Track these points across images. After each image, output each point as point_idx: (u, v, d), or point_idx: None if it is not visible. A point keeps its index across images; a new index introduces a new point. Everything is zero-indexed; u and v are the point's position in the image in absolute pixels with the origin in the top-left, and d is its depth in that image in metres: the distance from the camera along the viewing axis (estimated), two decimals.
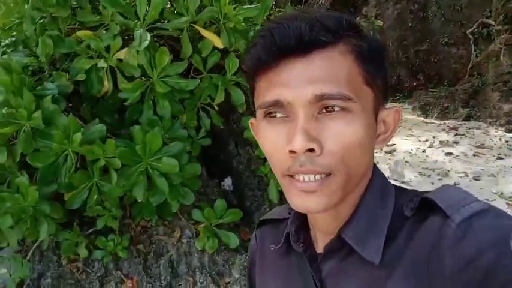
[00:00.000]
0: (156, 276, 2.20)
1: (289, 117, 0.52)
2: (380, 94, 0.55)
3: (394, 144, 5.60)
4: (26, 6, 2.09)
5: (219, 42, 2.00)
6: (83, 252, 2.06)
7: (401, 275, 0.50)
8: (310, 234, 0.64)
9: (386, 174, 4.34)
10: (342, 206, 0.56)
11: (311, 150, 0.49)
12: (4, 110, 1.75)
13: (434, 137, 5.85)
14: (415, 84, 8.45)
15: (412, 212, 0.53)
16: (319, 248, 0.62)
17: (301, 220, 0.65)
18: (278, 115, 0.53)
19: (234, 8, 2.02)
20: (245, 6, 2.10)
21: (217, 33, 2.06)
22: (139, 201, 1.94)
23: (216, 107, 2.20)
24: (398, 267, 0.51)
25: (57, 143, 1.80)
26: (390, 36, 7.89)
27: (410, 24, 7.92)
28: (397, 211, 0.55)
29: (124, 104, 2.08)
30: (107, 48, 2.07)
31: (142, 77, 2.02)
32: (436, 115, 6.98)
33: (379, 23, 3.48)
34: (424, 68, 8.23)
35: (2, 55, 2.21)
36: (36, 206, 1.73)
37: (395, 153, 5.22)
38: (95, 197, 1.87)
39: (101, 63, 2.05)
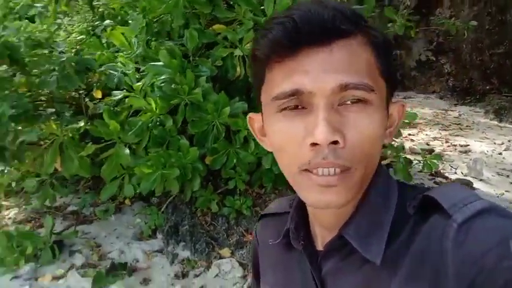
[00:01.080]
0: None
1: (307, 109, 0.50)
2: (391, 87, 0.54)
3: (468, 145, 5.64)
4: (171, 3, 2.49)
5: None
6: (214, 207, 2.47)
7: (403, 276, 0.49)
8: (310, 231, 0.63)
9: (464, 171, 4.45)
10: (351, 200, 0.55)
11: (335, 142, 0.48)
12: (173, 86, 2.19)
13: (509, 141, 5.80)
14: (487, 87, 8.29)
15: (414, 211, 0.52)
16: (319, 245, 0.61)
17: (301, 216, 0.63)
18: (294, 107, 0.51)
19: None
20: None
21: None
22: (266, 168, 2.31)
23: None
24: (400, 267, 0.50)
25: (210, 114, 2.22)
26: (465, 38, 7.83)
27: (487, 27, 7.80)
28: (400, 209, 0.54)
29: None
30: (240, 40, 2.47)
31: None
32: (511, 119, 6.87)
33: (474, 23, 3.61)
34: (499, 72, 8.06)
35: (148, 44, 2.68)
36: (193, 163, 2.16)
37: (470, 153, 5.28)
38: (234, 161, 2.27)
39: (237, 52, 2.45)
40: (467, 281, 0.42)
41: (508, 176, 4.44)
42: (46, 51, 2.30)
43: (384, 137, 0.54)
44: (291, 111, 0.50)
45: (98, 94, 2.76)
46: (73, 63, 2.22)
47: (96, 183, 3.65)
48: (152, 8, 2.61)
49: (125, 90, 2.56)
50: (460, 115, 7.64)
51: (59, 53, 2.31)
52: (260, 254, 0.73)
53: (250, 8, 2.45)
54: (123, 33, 2.60)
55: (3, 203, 3.67)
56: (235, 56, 2.45)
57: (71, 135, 2.56)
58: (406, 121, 2.85)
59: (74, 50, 2.50)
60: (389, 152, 2.89)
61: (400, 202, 0.54)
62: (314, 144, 0.48)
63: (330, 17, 0.48)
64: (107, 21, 3.12)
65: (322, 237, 0.60)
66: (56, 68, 2.21)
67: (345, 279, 0.55)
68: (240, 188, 2.39)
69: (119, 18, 3.22)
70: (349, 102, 0.49)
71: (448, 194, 0.50)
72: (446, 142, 5.91)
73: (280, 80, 0.50)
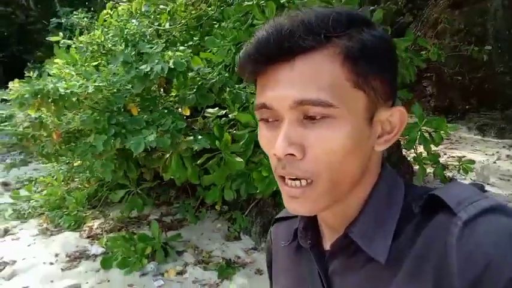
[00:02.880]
0: None
1: (278, 121, 0.53)
2: (378, 95, 0.53)
3: (464, 156, 6.46)
4: None
5: None
6: None
7: (406, 273, 0.50)
8: (319, 231, 0.64)
9: (472, 177, 5.19)
10: (348, 204, 0.57)
11: (292, 154, 0.51)
12: None
13: (498, 152, 6.68)
14: (467, 107, 9.33)
15: (419, 210, 0.52)
16: (327, 245, 0.61)
17: (310, 217, 0.64)
18: (270, 119, 0.54)
19: None
20: None
21: None
22: None
23: None
24: (404, 265, 0.51)
25: None
26: (446, 63, 8.84)
27: (466, 54, 8.88)
28: (405, 209, 0.55)
29: None
30: None
31: None
32: (493, 134, 7.82)
33: (488, 47, 4.37)
34: (477, 94, 9.10)
35: None
36: None
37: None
38: None
39: None
40: (471, 279, 0.43)
41: (508, 180, 5.22)
42: (193, 74, 2.75)
43: (363, 146, 0.53)
44: (266, 122, 0.55)
45: (186, 111, 3.22)
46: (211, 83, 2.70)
47: (180, 192, 4.05)
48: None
49: (228, 108, 3.04)
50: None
51: (200, 75, 2.78)
52: (274, 257, 0.75)
53: None
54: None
55: (86, 214, 3.99)
56: None
57: (185, 146, 3.00)
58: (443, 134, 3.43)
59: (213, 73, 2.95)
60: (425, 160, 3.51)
61: (407, 202, 0.55)
62: (276, 155, 0.52)
63: (289, 34, 0.49)
64: None
65: (329, 237, 0.61)
66: (195, 88, 2.68)
67: (350, 278, 0.56)
68: None
69: None
70: (311, 117, 0.51)
71: (453, 192, 0.50)
72: (445, 154, 6.69)
73: (257, 94, 0.55)
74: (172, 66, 2.38)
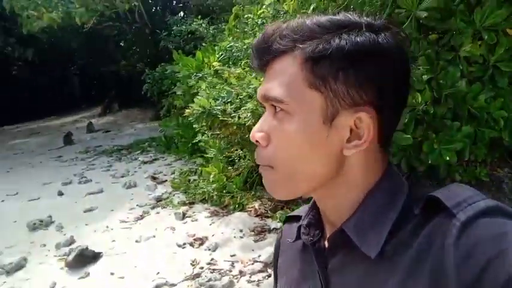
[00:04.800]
0: None
1: None
2: (339, 98, 0.54)
3: None
4: None
5: None
6: (457, 177, 3.30)
7: (402, 273, 0.51)
8: (323, 229, 0.65)
9: None
10: (339, 201, 0.59)
11: (258, 142, 0.59)
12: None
13: None
14: None
15: (419, 210, 0.53)
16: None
17: (315, 214, 0.66)
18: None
19: None
20: None
21: None
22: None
23: None
24: (400, 264, 0.51)
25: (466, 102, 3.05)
26: None
27: None
28: (406, 209, 0.55)
29: None
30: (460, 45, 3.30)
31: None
32: None
33: None
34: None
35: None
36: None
37: None
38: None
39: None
40: (468, 282, 0.43)
41: None
42: None
43: (324, 146, 0.55)
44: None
45: None
46: None
47: None
48: None
49: None
50: None
51: None
52: (281, 254, 0.77)
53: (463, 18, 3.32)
54: None
55: (246, 196, 4.57)
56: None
57: None
58: None
59: None
60: None
61: (409, 203, 0.55)
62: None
63: (271, 40, 0.57)
64: None
65: (329, 233, 0.63)
66: None
67: (347, 276, 0.58)
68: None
69: None
70: (278, 110, 0.57)
71: (452, 193, 0.51)
72: None
73: None
74: None
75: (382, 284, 0.53)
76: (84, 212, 5.00)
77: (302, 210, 0.73)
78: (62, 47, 15.27)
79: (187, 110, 3.32)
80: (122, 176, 6.38)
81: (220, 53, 5.32)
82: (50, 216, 4.80)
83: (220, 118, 3.20)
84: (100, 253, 3.82)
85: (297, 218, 0.72)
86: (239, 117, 3.02)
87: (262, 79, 0.62)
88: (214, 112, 3.15)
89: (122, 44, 15.21)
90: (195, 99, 3.28)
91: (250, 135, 0.59)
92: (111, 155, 8.22)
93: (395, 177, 0.60)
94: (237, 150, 4.59)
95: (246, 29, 4.62)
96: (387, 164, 0.60)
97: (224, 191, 4.65)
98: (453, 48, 3.60)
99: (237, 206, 4.46)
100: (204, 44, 6.52)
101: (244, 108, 2.97)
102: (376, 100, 0.55)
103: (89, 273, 3.53)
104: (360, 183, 0.58)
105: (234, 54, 4.17)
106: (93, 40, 16.46)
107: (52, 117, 16.73)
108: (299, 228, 0.68)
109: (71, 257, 3.66)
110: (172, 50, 6.74)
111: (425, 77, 3.37)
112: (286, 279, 0.71)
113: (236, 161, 4.70)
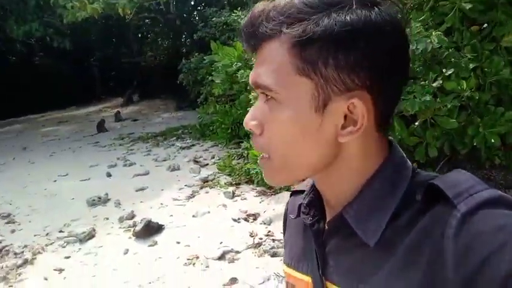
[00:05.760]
0: None
1: None
2: (331, 83, 0.52)
3: None
4: None
5: None
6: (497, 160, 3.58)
7: (397, 261, 0.50)
8: (324, 209, 0.64)
9: None
10: (337, 187, 0.58)
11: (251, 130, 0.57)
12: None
13: None
14: None
15: (420, 197, 0.52)
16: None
17: (315, 194, 0.65)
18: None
19: None
20: None
21: None
22: None
23: None
24: (395, 253, 0.51)
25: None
26: None
27: None
28: (408, 195, 0.54)
29: None
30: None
31: None
32: None
33: None
34: None
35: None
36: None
37: None
38: None
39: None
40: (467, 274, 0.43)
41: None
42: None
43: (314, 133, 0.54)
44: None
45: None
46: None
47: None
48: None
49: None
50: None
51: None
52: (287, 227, 0.78)
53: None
54: None
55: None
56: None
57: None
58: None
59: None
60: None
61: (410, 189, 0.54)
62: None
63: (257, 23, 0.54)
64: None
65: (329, 216, 0.62)
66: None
67: (344, 259, 0.58)
68: None
69: None
70: (267, 99, 0.55)
71: (454, 182, 0.50)
72: None
73: None
74: (438, 46, 3.11)
75: (378, 270, 0.52)
76: (136, 191, 5.36)
77: (304, 185, 0.72)
78: (83, 38, 15.63)
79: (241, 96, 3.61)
80: (164, 160, 6.73)
81: None
82: (107, 194, 5.17)
83: None
84: (162, 225, 4.16)
85: (301, 193, 0.71)
86: None
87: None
88: None
89: (148, 35, 15.47)
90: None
91: (244, 122, 0.57)
92: (148, 141, 8.56)
93: (398, 160, 0.58)
94: None
95: None
96: (389, 147, 0.59)
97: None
98: (494, 39, 3.86)
99: (283, 186, 4.77)
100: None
101: None
102: (371, 82, 0.52)
103: (156, 242, 3.88)
104: (360, 168, 0.57)
105: None
106: (112, 32, 16.81)
107: (73, 108, 17.15)
108: (300, 206, 0.67)
109: (138, 228, 4.01)
110: (210, 40, 7.04)
111: (470, 65, 3.65)
112: (290, 252, 0.72)
113: None
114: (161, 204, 4.83)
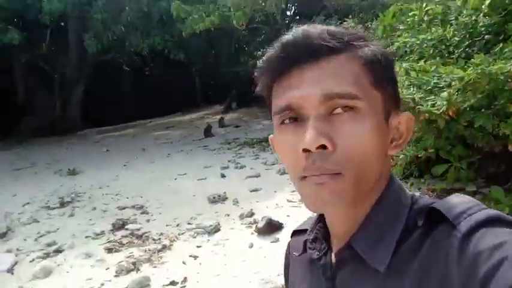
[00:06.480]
0: None
1: (303, 122, 0.54)
2: (391, 99, 0.57)
3: None
4: None
5: None
6: None
7: (411, 283, 0.51)
8: (330, 243, 0.64)
9: None
10: (355, 213, 0.58)
11: (323, 147, 0.52)
12: None
13: None
14: None
15: (422, 222, 0.53)
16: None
17: (321, 227, 0.66)
18: (292, 120, 0.56)
19: None
20: None
21: None
22: None
23: None
24: (406, 277, 0.52)
25: None
26: None
27: None
28: (410, 221, 0.55)
29: None
30: None
31: None
32: None
33: None
34: None
35: None
36: None
37: None
38: None
39: None
40: None
41: None
42: None
43: (383, 147, 0.56)
44: (288, 124, 0.56)
45: None
46: None
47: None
48: None
49: None
50: None
51: None
52: (291, 267, 0.77)
53: None
54: None
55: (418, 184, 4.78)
56: None
57: None
58: None
59: None
60: None
61: (412, 214, 0.56)
62: (306, 151, 0.52)
63: (316, 37, 0.54)
64: None
65: (335, 248, 0.62)
66: None
67: None
68: None
69: None
70: (339, 111, 0.53)
71: (452, 205, 0.51)
72: None
73: (278, 97, 0.57)
74: None
75: None
76: (251, 191, 5.68)
77: (307, 223, 0.72)
78: (187, 49, 16.87)
79: None
80: (273, 164, 7.02)
81: None
82: (225, 193, 5.56)
83: (411, 105, 3.50)
84: (282, 224, 4.37)
85: (303, 232, 0.72)
86: (433, 105, 3.28)
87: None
88: (406, 100, 3.45)
89: (246, 45, 16.16)
90: None
91: (309, 142, 0.52)
92: (253, 146, 9.01)
93: (399, 187, 0.60)
94: None
95: (411, 26, 4.84)
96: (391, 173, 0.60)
97: None
98: None
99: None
100: None
101: (440, 96, 3.22)
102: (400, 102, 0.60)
103: (278, 239, 4.08)
104: (378, 190, 0.58)
105: (406, 49, 4.42)
106: (213, 42, 17.85)
107: (177, 114, 18.53)
108: (305, 242, 0.67)
109: (260, 225, 4.26)
110: None
111: None
112: None
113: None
114: (276, 204, 5.05)
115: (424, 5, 4.92)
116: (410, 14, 4.97)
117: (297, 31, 0.56)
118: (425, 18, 4.82)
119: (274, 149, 0.64)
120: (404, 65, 4.42)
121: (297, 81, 0.54)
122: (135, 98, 19.97)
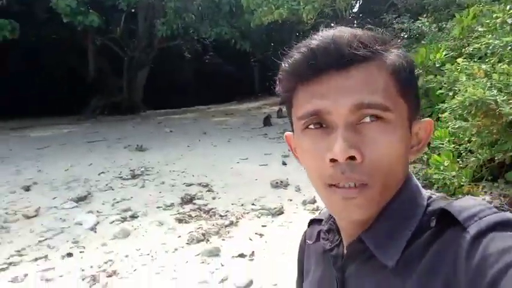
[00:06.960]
0: None
1: (329, 128, 0.54)
2: (413, 107, 0.58)
3: None
4: None
5: None
6: None
7: (417, 282, 0.51)
8: (341, 234, 0.65)
9: None
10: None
11: (352, 158, 0.52)
12: None
13: None
14: None
15: (434, 223, 0.54)
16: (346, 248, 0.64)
17: (334, 221, 0.66)
18: (318, 126, 0.55)
19: None
20: None
21: None
22: None
23: None
24: (413, 275, 0.52)
25: None
26: None
27: None
28: (423, 222, 0.55)
29: None
30: None
31: None
32: None
33: None
34: None
35: None
36: None
37: None
38: None
39: None
40: None
41: None
42: None
43: (407, 154, 0.58)
44: (314, 130, 0.56)
45: None
46: None
47: None
48: None
49: None
50: None
51: None
52: (306, 254, 0.78)
53: None
54: None
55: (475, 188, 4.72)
56: None
57: None
58: None
59: None
60: None
61: (426, 215, 0.56)
62: (333, 160, 0.52)
63: (346, 44, 0.53)
64: None
65: (346, 241, 0.63)
66: None
67: (363, 282, 0.58)
68: None
69: None
70: (367, 121, 0.53)
71: (464, 207, 0.51)
72: None
73: (304, 102, 0.56)
74: None
75: None
76: None
77: (323, 214, 0.74)
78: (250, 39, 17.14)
79: (458, 98, 3.66)
80: None
81: (443, 50, 5.54)
82: (287, 179, 5.74)
83: (492, 107, 3.47)
84: None
85: (319, 221, 0.74)
86: None
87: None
88: (488, 102, 3.43)
89: (304, 38, 16.20)
90: (467, 89, 3.59)
91: (338, 153, 0.52)
92: None
93: (415, 187, 0.60)
94: (464, 143, 4.76)
95: (492, 28, 4.72)
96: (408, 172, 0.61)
97: (453, 180, 4.88)
98: None
99: (463, 195, 4.65)
100: (422, 42, 6.77)
101: None
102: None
103: None
104: (385, 195, 0.57)
105: (488, 51, 4.34)
106: (273, 35, 17.98)
107: (233, 102, 18.96)
108: (319, 232, 0.70)
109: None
110: None
111: None
112: (311, 279, 0.73)
113: (463, 154, 4.87)
114: None
115: (508, 7, 4.78)
116: (493, 16, 4.84)
117: (325, 37, 0.55)
118: (509, 20, 4.68)
119: (290, 147, 0.67)
120: (484, 66, 4.36)
121: (326, 89, 0.54)
122: (194, 84, 20.69)
